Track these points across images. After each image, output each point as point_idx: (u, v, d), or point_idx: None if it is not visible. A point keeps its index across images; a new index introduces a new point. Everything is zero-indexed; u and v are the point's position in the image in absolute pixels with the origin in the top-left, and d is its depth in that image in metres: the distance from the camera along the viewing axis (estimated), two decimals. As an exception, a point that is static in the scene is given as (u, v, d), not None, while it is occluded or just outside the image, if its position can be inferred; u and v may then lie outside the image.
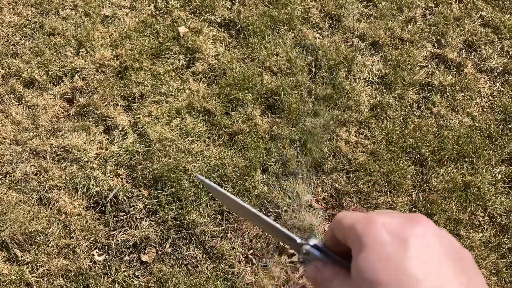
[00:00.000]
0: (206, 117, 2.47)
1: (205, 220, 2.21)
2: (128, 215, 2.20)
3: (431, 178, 2.37)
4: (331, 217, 2.28)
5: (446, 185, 2.36)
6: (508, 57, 2.79)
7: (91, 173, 2.28)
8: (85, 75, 2.56)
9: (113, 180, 2.27)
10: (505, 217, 2.31)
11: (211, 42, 2.71)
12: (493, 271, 2.20)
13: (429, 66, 2.74)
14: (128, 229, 2.17)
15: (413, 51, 2.75)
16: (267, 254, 2.15)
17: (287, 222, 2.21)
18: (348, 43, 2.78)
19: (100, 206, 2.23)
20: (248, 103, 2.50)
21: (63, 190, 2.24)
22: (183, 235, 2.18)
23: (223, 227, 2.21)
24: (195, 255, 2.13)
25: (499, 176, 2.41)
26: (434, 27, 2.86)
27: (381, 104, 2.57)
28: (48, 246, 2.10)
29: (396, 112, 2.56)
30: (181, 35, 2.69)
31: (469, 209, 2.31)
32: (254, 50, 2.68)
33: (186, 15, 2.79)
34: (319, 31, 2.81)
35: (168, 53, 2.65)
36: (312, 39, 2.74)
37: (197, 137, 2.41)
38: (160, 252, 2.14)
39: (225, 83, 2.54)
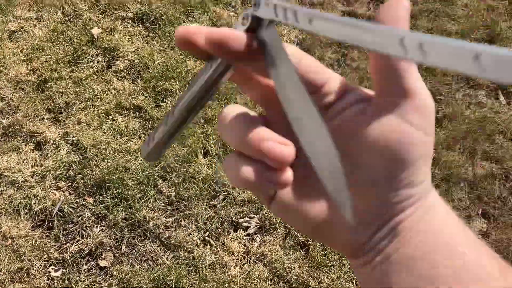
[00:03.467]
0: (137, 113, 2.46)
1: (156, 214, 2.22)
2: (78, 225, 2.18)
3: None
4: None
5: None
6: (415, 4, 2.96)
7: (30, 192, 2.22)
8: (3, 95, 2.47)
9: (55, 195, 2.23)
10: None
11: (128, 39, 2.68)
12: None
13: (343, 24, 2.86)
14: (80, 239, 2.15)
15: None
16: (223, 232, 2.20)
17: (236, 198, 2.26)
18: (263, 16, 2.84)
19: (47, 223, 2.19)
20: (176, 92, 2.51)
21: (4, 215, 2.17)
22: (137, 233, 2.19)
23: (175, 217, 2.23)
24: (153, 250, 2.15)
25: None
26: (341, -14, 2.98)
27: (305, 69, 2.66)
28: None
29: (320, 74, 2.66)
30: (96, 37, 2.64)
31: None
32: (172, 39, 2.68)
33: (97, 16, 2.73)
34: (233, 9, 2.85)
35: (86, 57, 2.59)
36: (227, 18, 2.78)
37: (132, 135, 2.40)
38: (117, 254, 2.13)
39: (149, 76, 2.54)
